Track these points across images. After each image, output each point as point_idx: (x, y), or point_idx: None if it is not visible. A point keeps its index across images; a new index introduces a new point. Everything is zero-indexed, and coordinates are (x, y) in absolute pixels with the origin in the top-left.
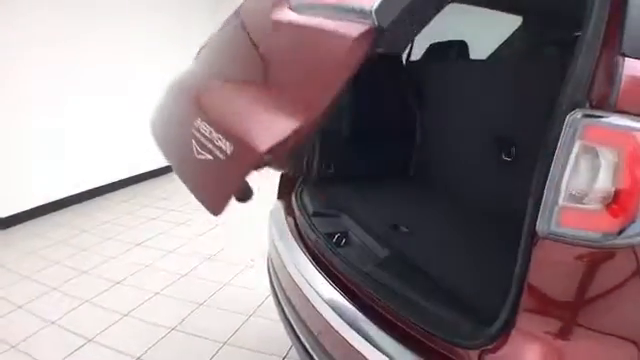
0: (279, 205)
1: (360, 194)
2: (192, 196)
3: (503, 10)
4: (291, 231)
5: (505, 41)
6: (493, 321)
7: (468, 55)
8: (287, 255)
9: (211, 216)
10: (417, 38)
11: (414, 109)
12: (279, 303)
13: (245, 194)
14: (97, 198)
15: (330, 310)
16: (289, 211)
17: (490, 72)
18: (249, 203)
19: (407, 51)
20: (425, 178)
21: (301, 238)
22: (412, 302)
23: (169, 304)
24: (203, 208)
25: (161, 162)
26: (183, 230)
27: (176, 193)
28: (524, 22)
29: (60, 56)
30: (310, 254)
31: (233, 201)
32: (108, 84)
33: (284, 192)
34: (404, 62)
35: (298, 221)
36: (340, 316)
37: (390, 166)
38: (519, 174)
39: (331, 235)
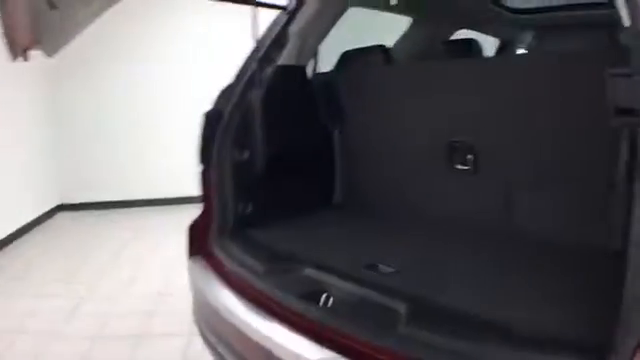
0: (199, 264)
1: (298, 235)
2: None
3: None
4: (240, 297)
5: (395, 44)
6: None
7: (392, 60)
8: (253, 331)
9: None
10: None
11: (329, 126)
12: None
13: None
14: None
15: None
16: (220, 269)
17: (438, 74)
18: None
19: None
20: (361, 202)
21: (260, 304)
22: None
23: None
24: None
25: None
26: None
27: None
28: (414, 23)
29: None
30: (289, 325)
31: None
32: None
33: (198, 246)
34: (310, 75)
35: (247, 283)
36: None
37: (313, 195)
38: (487, 183)
39: (312, 296)
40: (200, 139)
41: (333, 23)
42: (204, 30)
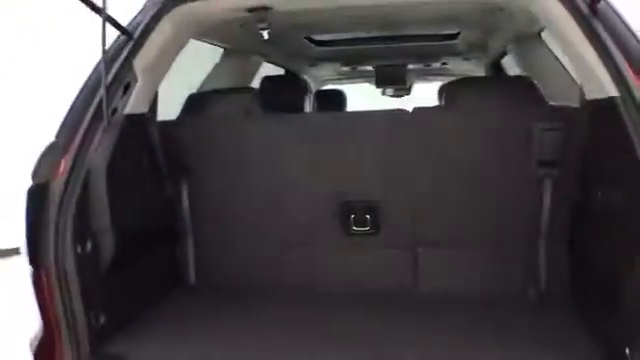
0: None
1: (180, 348)
2: None
3: None
4: None
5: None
6: None
7: (266, 103)
8: None
9: None
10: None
11: (174, 189)
12: None
13: None
14: None
15: None
16: None
17: (321, 125)
18: None
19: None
20: (225, 282)
21: None
22: None
23: None
24: None
25: None
26: None
27: None
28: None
29: None
30: None
31: None
32: None
33: None
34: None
35: None
36: None
37: (165, 278)
38: (393, 244)
39: None
40: (26, 230)
41: (174, 58)
42: None
